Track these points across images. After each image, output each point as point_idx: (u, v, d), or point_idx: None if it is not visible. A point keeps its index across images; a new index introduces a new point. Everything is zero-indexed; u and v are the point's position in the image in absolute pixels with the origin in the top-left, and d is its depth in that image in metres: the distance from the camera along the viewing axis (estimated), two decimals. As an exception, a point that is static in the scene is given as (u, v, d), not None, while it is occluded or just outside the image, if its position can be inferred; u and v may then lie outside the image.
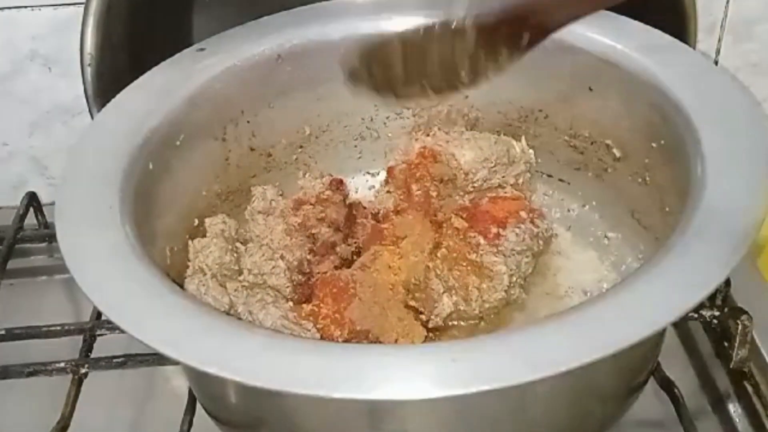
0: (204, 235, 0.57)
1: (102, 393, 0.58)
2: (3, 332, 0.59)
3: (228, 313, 0.53)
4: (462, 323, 0.55)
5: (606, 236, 0.60)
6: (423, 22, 0.48)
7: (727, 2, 0.74)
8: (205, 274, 0.54)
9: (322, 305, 0.54)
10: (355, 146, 0.65)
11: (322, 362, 0.40)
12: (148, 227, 0.51)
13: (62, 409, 0.54)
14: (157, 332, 0.42)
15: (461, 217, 0.58)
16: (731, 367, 0.57)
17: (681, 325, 0.62)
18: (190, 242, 0.55)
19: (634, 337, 0.40)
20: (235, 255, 0.57)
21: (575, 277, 0.59)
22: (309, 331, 0.52)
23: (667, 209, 0.53)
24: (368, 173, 0.66)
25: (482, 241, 0.56)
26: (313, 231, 0.59)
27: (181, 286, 0.52)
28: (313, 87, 0.62)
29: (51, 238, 0.70)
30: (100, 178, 0.50)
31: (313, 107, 0.63)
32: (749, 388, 0.57)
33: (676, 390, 0.54)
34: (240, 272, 0.57)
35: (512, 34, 0.47)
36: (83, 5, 0.63)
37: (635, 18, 0.59)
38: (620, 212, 0.59)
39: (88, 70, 0.64)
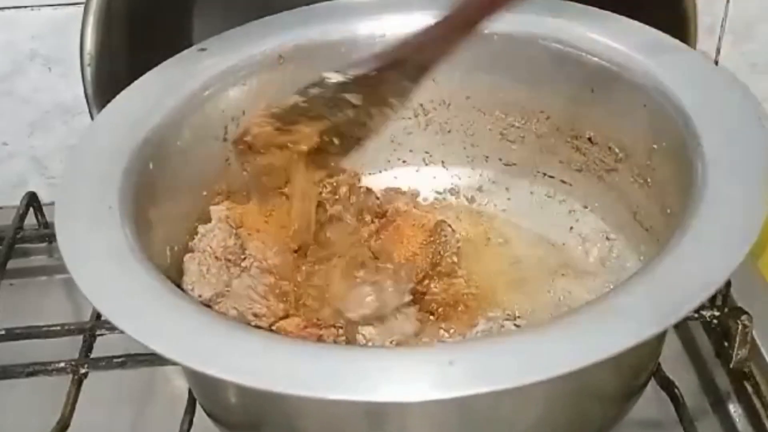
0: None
1: (102, 393, 0.58)
2: (3, 332, 0.59)
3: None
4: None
5: (607, 237, 0.60)
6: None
7: (727, 2, 0.74)
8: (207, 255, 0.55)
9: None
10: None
11: (320, 364, 0.40)
12: (148, 227, 0.50)
13: (62, 409, 0.54)
14: (156, 333, 0.42)
15: None
16: (731, 367, 0.58)
17: (681, 325, 0.62)
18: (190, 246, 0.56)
19: (634, 339, 0.40)
20: (239, 240, 0.57)
21: (576, 278, 0.59)
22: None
23: (668, 211, 0.53)
24: (369, 174, 0.66)
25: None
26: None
27: (181, 287, 0.52)
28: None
29: (51, 238, 0.70)
30: (100, 178, 0.50)
31: (314, 107, 0.63)
32: (749, 388, 0.57)
33: (676, 390, 0.54)
34: (244, 258, 0.57)
35: (393, 82, 0.53)
36: (83, 5, 0.63)
37: (635, 18, 0.59)
38: (622, 213, 0.59)
39: (88, 70, 0.64)
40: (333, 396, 0.39)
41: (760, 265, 0.65)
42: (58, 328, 0.59)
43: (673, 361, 0.59)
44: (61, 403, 0.54)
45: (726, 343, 0.59)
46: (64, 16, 0.71)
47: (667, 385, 0.54)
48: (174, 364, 0.43)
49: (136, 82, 0.57)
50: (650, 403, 0.55)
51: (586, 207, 0.62)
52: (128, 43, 0.65)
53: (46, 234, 0.70)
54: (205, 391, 0.51)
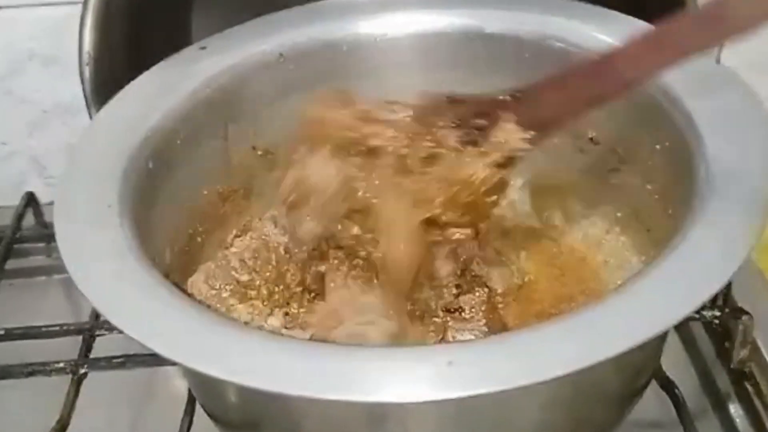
0: (205, 237, 0.57)
1: (102, 393, 0.58)
2: (2, 332, 0.59)
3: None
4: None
5: (609, 238, 0.60)
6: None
7: (728, 2, 0.74)
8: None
9: None
10: (358, 145, 0.65)
11: (320, 364, 0.40)
12: (148, 227, 0.50)
13: (62, 410, 0.54)
14: (155, 333, 0.42)
15: None
16: (732, 367, 0.58)
17: (682, 326, 0.62)
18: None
19: (635, 340, 0.39)
20: None
21: (577, 279, 0.59)
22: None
23: (670, 212, 0.53)
24: (371, 172, 0.66)
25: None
26: None
27: (181, 287, 0.52)
28: (315, 86, 0.61)
29: (50, 238, 0.69)
30: (100, 178, 0.50)
31: (315, 106, 0.63)
32: (750, 389, 0.57)
33: (676, 390, 0.54)
34: None
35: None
36: (81, 4, 0.63)
37: (637, 17, 0.58)
38: (624, 214, 0.59)
39: (87, 70, 0.63)
40: (332, 396, 0.39)
41: (760, 265, 0.65)
42: (57, 328, 0.59)
43: (674, 361, 0.59)
44: (61, 403, 0.54)
45: (727, 344, 0.59)
46: (63, 15, 0.70)
47: (668, 386, 0.54)
48: (174, 364, 0.43)
49: (135, 81, 0.57)
50: (650, 403, 0.55)
51: (587, 208, 0.62)
52: (127, 42, 0.65)
53: (45, 234, 0.71)
54: (205, 391, 0.51)
